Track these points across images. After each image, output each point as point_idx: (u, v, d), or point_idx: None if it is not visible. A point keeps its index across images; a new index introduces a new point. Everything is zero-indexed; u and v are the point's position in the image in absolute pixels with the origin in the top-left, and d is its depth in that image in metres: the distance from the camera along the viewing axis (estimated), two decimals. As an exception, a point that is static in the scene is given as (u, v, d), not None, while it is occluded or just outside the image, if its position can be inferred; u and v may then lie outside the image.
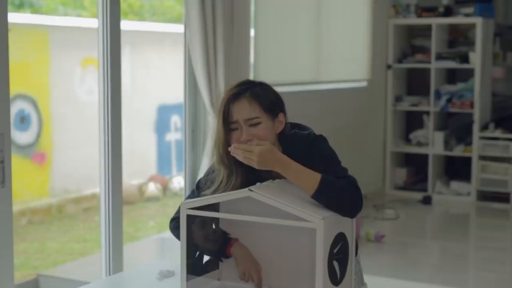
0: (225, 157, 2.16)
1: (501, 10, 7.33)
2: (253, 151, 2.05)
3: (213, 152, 2.22)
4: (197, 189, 2.29)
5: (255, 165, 2.06)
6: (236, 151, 2.07)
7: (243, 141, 2.13)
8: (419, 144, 6.99)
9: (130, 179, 6.05)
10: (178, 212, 2.27)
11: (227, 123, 2.15)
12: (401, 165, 7.15)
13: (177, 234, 2.22)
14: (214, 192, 2.16)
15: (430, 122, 6.83)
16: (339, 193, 2.01)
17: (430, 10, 6.81)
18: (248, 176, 2.17)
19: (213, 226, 2.21)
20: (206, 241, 2.16)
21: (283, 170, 2.05)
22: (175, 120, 6.52)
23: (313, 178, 2.03)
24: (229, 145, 2.13)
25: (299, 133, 2.25)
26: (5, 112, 2.99)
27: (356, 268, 2.36)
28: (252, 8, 4.79)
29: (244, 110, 2.14)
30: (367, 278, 2.45)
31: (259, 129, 2.14)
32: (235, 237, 2.17)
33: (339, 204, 2.00)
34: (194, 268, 2.15)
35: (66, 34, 5.55)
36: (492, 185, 6.60)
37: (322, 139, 2.22)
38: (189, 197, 2.28)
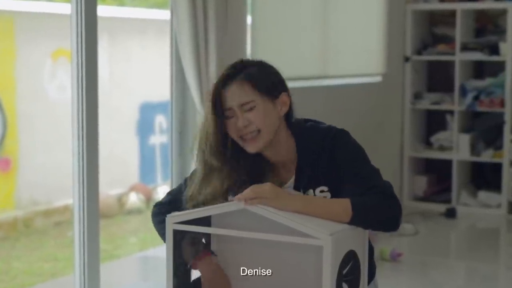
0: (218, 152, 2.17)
1: (536, -7, 7.34)
2: (261, 194, 2.00)
3: (196, 147, 2.21)
4: (185, 185, 2.30)
5: (272, 204, 2.00)
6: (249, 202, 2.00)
7: (240, 127, 2.16)
8: (442, 148, 6.99)
9: (108, 189, 6.04)
10: (166, 197, 2.33)
11: (221, 112, 2.16)
12: (421, 173, 7.15)
13: (157, 221, 2.26)
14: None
15: (454, 123, 6.83)
16: (376, 212, 2.09)
17: (454, -6, 6.83)
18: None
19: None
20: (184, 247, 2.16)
21: (304, 205, 2.04)
22: (160, 120, 6.52)
23: (341, 206, 2.06)
24: (223, 135, 2.15)
25: (317, 126, 2.27)
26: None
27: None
28: (249, -9, 4.79)
29: (235, 95, 2.17)
30: (381, 303, 2.45)
31: (254, 113, 2.16)
32: (208, 251, 2.17)
33: (378, 223, 2.10)
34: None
35: (34, 21, 5.55)
36: (526, 195, 6.61)
37: (345, 134, 2.24)
38: (175, 191, 2.33)
